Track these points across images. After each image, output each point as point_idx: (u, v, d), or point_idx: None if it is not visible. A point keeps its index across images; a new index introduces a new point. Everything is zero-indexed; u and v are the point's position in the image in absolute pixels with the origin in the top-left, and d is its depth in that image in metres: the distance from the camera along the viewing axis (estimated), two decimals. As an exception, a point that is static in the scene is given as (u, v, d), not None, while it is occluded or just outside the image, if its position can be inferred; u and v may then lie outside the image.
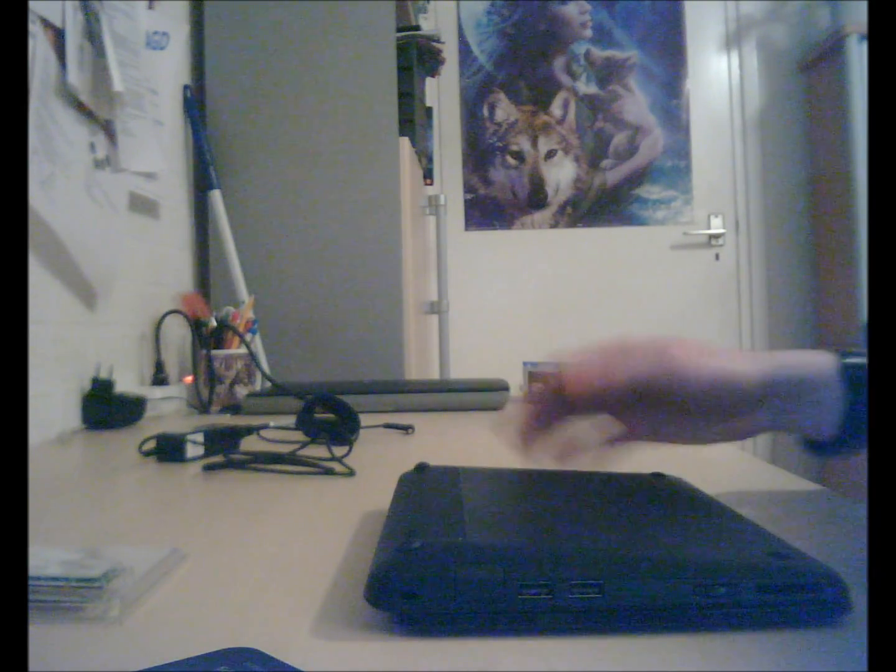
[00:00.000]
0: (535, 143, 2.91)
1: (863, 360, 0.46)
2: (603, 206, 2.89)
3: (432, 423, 1.01)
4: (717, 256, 2.88)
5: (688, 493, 0.44)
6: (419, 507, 0.38)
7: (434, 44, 1.80)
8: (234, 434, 0.79)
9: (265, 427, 0.85)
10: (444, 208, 1.97)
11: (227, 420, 1.07)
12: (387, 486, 0.60)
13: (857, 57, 2.45)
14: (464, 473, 0.45)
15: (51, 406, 1.00)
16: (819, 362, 0.46)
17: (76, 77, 1.04)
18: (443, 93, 2.93)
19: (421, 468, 0.47)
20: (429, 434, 0.90)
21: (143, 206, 1.33)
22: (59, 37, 1.01)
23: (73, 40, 1.03)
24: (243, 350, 1.24)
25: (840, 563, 0.33)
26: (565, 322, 2.89)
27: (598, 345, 0.46)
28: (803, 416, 0.46)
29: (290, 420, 0.88)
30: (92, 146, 1.11)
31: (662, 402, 0.45)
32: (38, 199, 0.96)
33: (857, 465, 2.29)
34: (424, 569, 0.30)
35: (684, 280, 2.88)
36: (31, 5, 0.95)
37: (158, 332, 1.28)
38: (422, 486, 0.43)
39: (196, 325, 1.26)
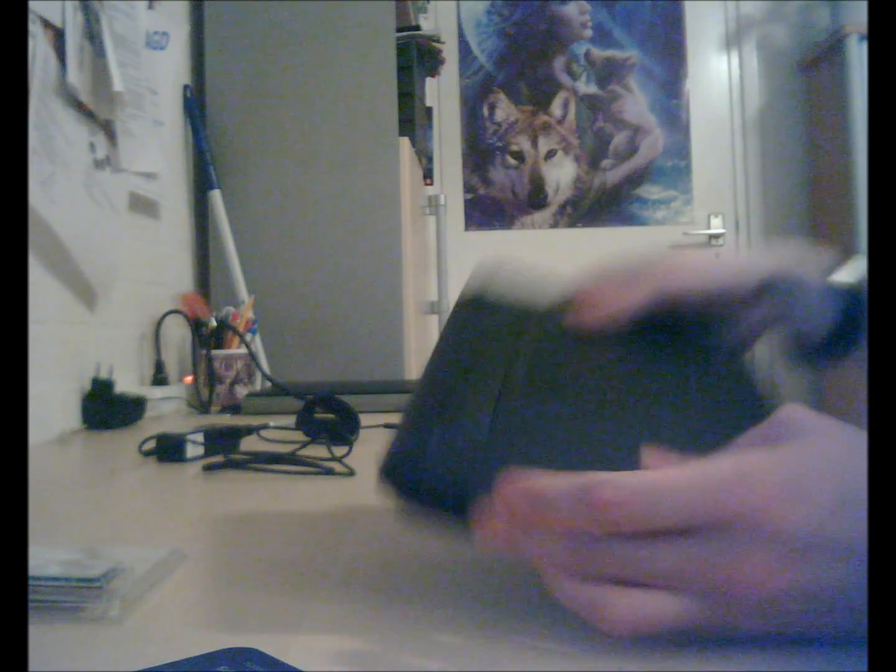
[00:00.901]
0: (535, 143, 2.91)
1: (853, 280, 0.46)
2: (603, 206, 2.89)
3: (432, 423, 1.00)
4: (716, 256, 2.88)
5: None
6: (459, 372, 0.34)
7: (434, 44, 1.80)
8: (234, 434, 0.79)
9: (265, 427, 0.85)
10: (444, 208, 1.97)
11: (227, 420, 1.07)
12: (387, 486, 0.60)
13: (857, 57, 2.45)
14: (534, 319, 0.39)
15: (51, 406, 1.00)
16: (813, 269, 0.48)
17: (76, 77, 1.04)
18: (443, 93, 2.93)
19: (478, 303, 0.40)
20: (429, 434, 0.90)
21: (143, 206, 1.33)
22: (59, 37, 1.01)
23: (73, 40, 1.03)
24: (243, 350, 1.24)
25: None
26: (565, 322, 2.89)
27: (595, 275, 0.44)
28: (797, 316, 0.48)
29: (290, 420, 0.88)
30: (92, 146, 1.11)
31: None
32: (38, 199, 0.96)
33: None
34: (435, 467, 0.29)
35: (684, 280, 2.87)
36: (31, 5, 0.95)
37: (158, 332, 1.28)
38: (475, 333, 0.38)
39: (196, 325, 1.26)
